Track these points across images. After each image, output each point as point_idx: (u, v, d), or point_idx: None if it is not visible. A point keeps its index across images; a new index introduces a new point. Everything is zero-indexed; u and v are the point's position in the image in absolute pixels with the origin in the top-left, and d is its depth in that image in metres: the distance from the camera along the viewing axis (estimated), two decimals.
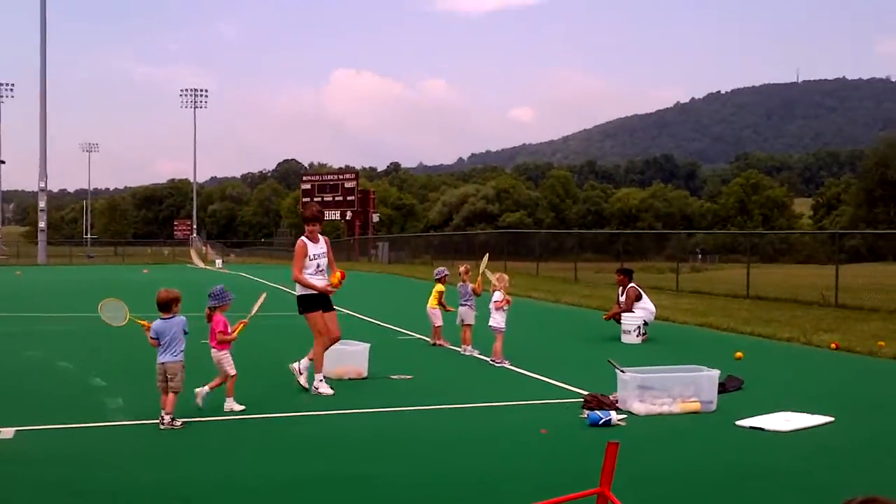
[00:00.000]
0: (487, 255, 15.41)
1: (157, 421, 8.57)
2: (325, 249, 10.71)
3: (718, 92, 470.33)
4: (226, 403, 9.36)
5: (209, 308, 9.51)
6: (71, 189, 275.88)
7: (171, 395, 8.63)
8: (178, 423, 8.60)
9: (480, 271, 14.49)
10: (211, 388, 9.33)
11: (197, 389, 9.22)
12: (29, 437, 8.23)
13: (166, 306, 8.79)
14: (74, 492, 6.45)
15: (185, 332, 8.84)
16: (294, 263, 10.61)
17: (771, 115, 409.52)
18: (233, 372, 9.46)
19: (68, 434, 8.46)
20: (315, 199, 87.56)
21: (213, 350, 9.49)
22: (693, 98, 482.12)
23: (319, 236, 10.75)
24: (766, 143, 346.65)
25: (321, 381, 10.58)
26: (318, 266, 10.63)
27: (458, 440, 8.23)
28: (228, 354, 9.50)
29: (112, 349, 14.79)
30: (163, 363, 8.69)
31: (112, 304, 9.66)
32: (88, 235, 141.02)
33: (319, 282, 10.60)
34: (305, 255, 10.53)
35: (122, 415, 9.26)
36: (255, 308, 10.17)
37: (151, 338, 8.76)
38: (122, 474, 6.95)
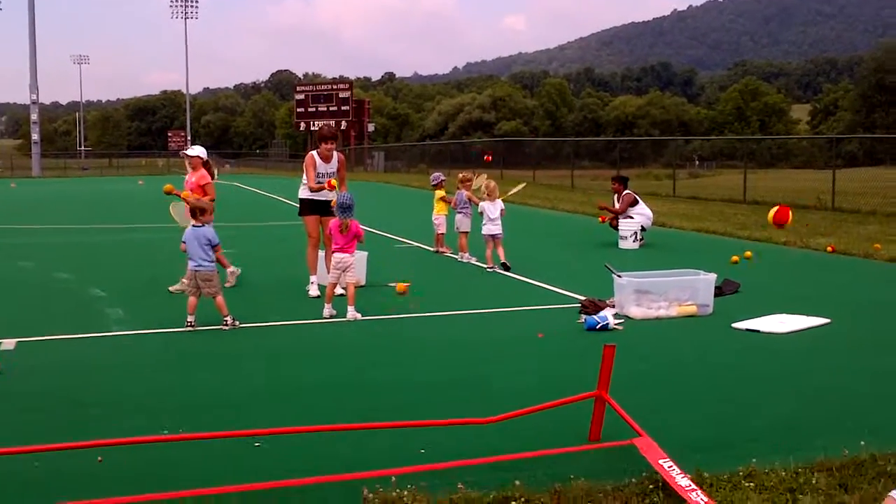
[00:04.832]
0: (525, 185, 15.24)
1: (185, 328, 8.86)
2: (335, 169, 11.15)
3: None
4: (349, 312, 9.47)
5: (348, 217, 9.63)
6: (63, 101, 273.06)
7: (217, 298, 8.96)
8: (238, 323, 8.99)
9: (512, 192, 14.10)
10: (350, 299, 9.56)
11: (352, 314, 9.46)
12: (31, 347, 8.26)
13: (192, 214, 9.19)
14: (75, 401, 6.49)
15: (209, 242, 9.03)
16: (306, 174, 11.10)
17: (769, 22, 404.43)
18: (356, 279, 9.86)
19: (69, 344, 8.50)
20: (309, 110, 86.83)
21: (344, 256, 9.61)
22: (691, 6, 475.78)
23: (334, 154, 11.11)
24: (763, 50, 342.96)
25: (312, 282, 11.06)
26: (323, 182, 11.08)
27: (457, 345, 8.28)
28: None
29: (109, 261, 14.82)
30: (195, 270, 8.96)
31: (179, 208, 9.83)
32: (82, 147, 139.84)
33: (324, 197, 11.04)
34: (314, 167, 11.02)
35: (123, 325, 9.30)
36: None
37: (181, 241, 9.16)
38: (123, 383, 7.00)
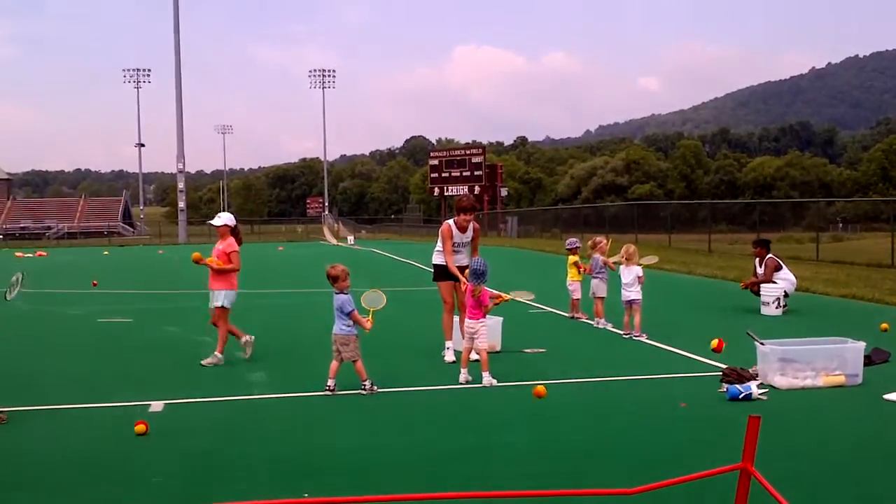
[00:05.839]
0: (657, 259, 14.86)
1: (325, 391, 9.01)
2: (469, 238, 11.25)
3: (857, 56, 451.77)
4: (484, 378, 9.50)
5: (481, 283, 9.76)
6: (207, 170, 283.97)
7: (357, 363, 9.10)
8: (376, 388, 9.09)
9: (644, 262, 13.79)
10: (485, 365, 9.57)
11: (488, 379, 9.47)
12: (177, 410, 8.54)
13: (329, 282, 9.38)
14: (216, 463, 6.66)
15: (340, 309, 9.17)
16: (442, 244, 11.19)
17: None
18: (487, 344, 9.82)
19: (213, 407, 8.74)
20: (443, 175, 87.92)
21: (474, 322, 9.71)
22: (829, 63, 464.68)
23: (470, 224, 11.19)
24: None
25: (447, 348, 11.09)
26: (457, 251, 11.20)
27: (594, 413, 8.17)
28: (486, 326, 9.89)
29: (249, 325, 15.19)
30: (334, 333, 9.20)
31: (373, 296, 9.92)
32: None
33: (456, 263, 11.07)
34: (451, 238, 11.11)
35: (264, 388, 9.53)
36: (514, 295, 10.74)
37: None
38: (263, 446, 7.14)
